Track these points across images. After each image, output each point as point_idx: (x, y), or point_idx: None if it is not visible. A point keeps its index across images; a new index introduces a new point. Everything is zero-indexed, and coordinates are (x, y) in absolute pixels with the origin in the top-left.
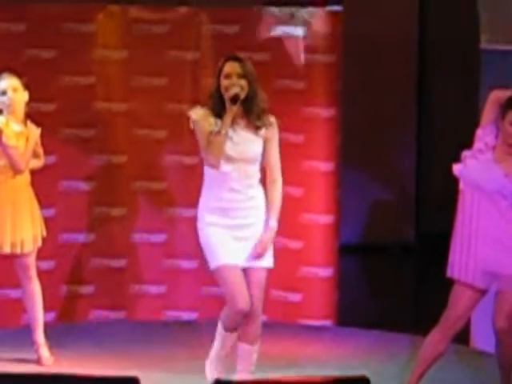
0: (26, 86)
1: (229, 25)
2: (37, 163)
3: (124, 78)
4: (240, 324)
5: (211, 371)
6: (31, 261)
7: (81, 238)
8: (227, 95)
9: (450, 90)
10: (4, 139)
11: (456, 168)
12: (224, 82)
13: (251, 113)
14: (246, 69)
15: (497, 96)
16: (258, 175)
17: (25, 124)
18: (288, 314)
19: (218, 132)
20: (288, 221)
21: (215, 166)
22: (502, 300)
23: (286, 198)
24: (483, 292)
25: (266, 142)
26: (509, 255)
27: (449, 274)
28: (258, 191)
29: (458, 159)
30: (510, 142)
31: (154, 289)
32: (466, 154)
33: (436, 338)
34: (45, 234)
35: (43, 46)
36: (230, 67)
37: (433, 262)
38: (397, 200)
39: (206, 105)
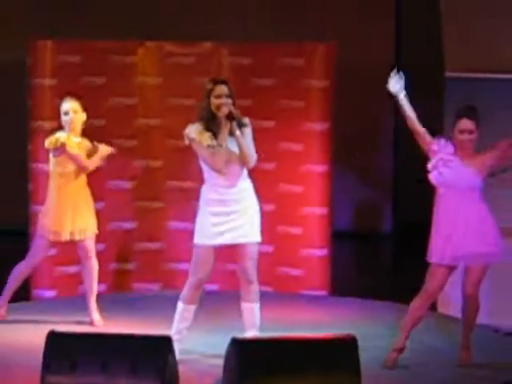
0: (84, 108)
1: (243, 56)
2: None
3: (159, 99)
4: (197, 297)
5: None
6: (90, 244)
7: (125, 225)
8: (221, 112)
9: (421, 109)
10: (68, 149)
11: (432, 177)
12: (216, 102)
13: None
14: (230, 90)
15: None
16: (245, 170)
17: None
18: (290, 286)
19: (220, 145)
20: (291, 212)
21: (221, 172)
22: (470, 273)
23: (289, 195)
24: (453, 269)
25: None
26: (475, 238)
27: (429, 259)
28: (247, 183)
29: (426, 161)
30: (462, 146)
31: (184, 266)
32: (433, 164)
33: (417, 306)
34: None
35: (95, 74)
36: (220, 89)
37: (406, 245)
38: (378, 195)
39: (198, 121)
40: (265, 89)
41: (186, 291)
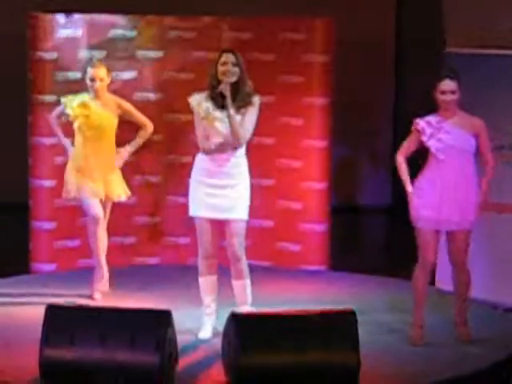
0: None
1: (244, 31)
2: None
3: (159, 73)
4: (209, 268)
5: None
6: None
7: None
8: (224, 79)
9: (421, 86)
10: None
11: (432, 146)
12: (221, 68)
13: (238, 95)
14: (238, 59)
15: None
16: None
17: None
18: (290, 260)
19: (228, 115)
20: (290, 187)
21: (204, 150)
22: (455, 240)
23: (289, 170)
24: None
25: (242, 115)
26: (463, 204)
27: (416, 225)
28: (242, 159)
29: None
30: (446, 107)
31: (182, 240)
32: (427, 136)
33: (419, 276)
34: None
35: (95, 48)
36: (226, 57)
37: (403, 221)
38: (376, 171)
39: (207, 89)
40: (265, 63)
41: (198, 264)
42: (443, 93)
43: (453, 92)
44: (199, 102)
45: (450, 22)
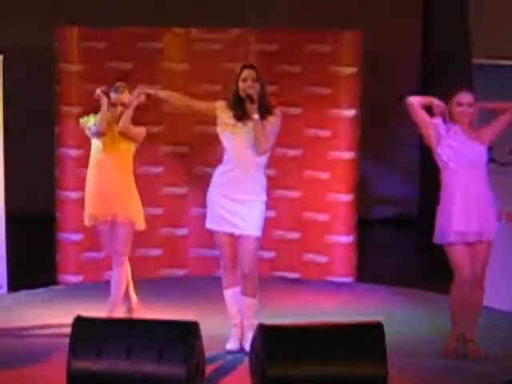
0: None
1: (270, 43)
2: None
3: (185, 85)
4: (231, 280)
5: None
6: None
7: (150, 210)
8: (245, 95)
9: (447, 98)
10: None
11: (443, 153)
12: (242, 85)
13: (261, 108)
14: (259, 75)
15: (415, 100)
16: (262, 162)
17: None
18: (317, 272)
19: (254, 121)
20: (317, 199)
21: (227, 152)
22: (476, 253)
23: (316, 181)
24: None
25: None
26: (481, 215)
27: (436, 240)
28: (261, 176)
29: None
30: (461, 120)
31: (209, 252)
32: (440, 143)
33: (457, 293)
34: None
35: (122, 60)
36: (247, 73)
37: (431, 233)
38: (404, 182)
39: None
40: (291, 75)
41: (221, 276)
42: (460, 104)
43: (469, 105)
44: (224, 108)
45: (476, 34)
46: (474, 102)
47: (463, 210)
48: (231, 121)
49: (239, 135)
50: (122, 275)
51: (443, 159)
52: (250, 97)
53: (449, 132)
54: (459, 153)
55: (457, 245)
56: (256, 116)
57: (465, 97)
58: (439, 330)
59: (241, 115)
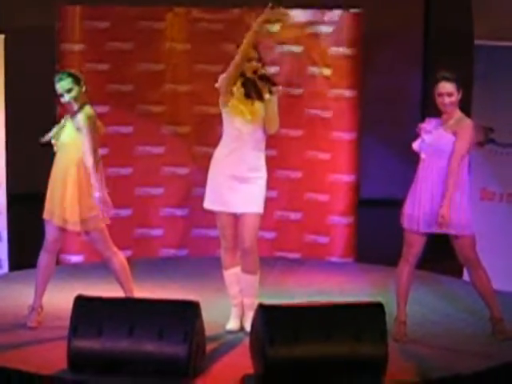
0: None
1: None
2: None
3: (187, 65)
4: (231, 261)
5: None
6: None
7: (152, 191)
8: (257, 75)
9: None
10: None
11: (415, 144)
12: (247, 65)
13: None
14: (260, 55)
15: None
16: (263, 141)
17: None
18: (318, 252)
19: (269, 99)
20: (318, 179)
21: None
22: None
23: (317, 161)
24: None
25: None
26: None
27: (403, 224)
28: (262, 153)
29: None
30: (443, 110)
31: (210, 232)
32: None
33: (403, 272)
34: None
35: (123, 40)
36: (252, 53)
37: None
38: (405, 163)
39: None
40: (293, 56)
41: (221, 256)
42: (440, 95)
43: (449, 94)
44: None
45: (478, 14)
46: (454, 91)
47: (416, 197)
48: (239, 98)
49: (243, 114)
50: (118, 264)
51: (415, 149)
52: (264, 76)
53: (428, 127)
54: (427, 143)
55: (409, 231)
56: (268, 96)
57: (444, 87)
58: (438, 314)
59: (253, 95)
